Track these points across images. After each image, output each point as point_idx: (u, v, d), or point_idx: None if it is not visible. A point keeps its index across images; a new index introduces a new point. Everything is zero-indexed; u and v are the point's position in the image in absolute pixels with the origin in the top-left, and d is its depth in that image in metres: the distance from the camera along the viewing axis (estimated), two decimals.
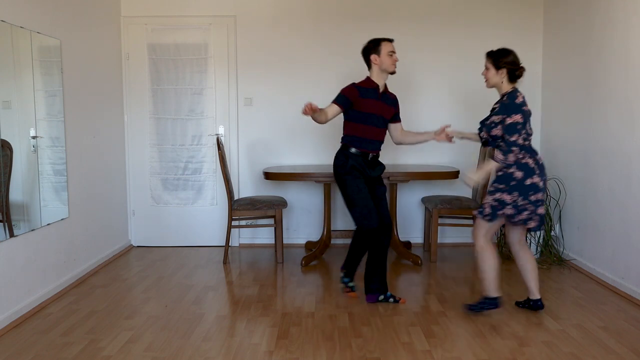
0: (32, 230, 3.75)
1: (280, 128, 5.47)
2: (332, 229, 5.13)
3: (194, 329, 3.38)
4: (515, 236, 3.60)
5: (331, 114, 3.69)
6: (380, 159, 3.92)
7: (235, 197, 5.35)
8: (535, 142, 5.51)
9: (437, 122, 5.55)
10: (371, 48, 3.76)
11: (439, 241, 5.15)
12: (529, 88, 5.48)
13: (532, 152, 3.43)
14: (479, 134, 3.67)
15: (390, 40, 3.79)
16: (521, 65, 3.55)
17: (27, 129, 3.76)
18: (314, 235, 5.55)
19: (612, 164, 4.18)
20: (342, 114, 3.79)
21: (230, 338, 3.25)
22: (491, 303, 3.55)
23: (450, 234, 5.55)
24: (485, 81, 3.59)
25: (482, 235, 3.52)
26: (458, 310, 3.66)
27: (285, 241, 5.28)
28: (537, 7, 5.42)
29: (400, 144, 4.06)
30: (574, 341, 3.15)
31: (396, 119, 3.95)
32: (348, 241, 5.47)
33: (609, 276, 4.19)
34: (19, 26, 3.61)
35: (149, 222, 5.57)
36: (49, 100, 4.04)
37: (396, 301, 3.81)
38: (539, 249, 4.95)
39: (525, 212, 3.41)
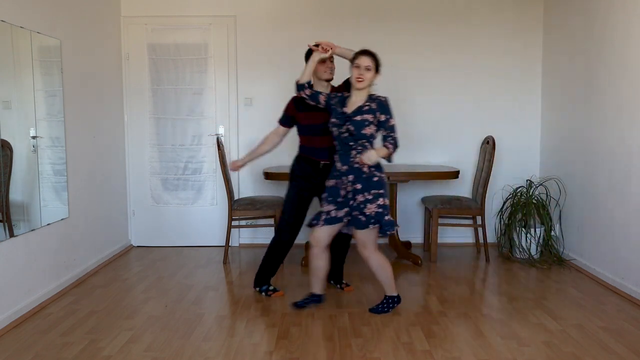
0: (32, 230, 3.75)
1: None
2: None
3: (194, 329, 3.38)
4: (331, 238, 3.58)
5: (280, 136, 3.87)
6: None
7: (235, 197, 5.34)
8: (535, 142, 5.52)
9: (437, 122, 5.56)
10: (306, 57, 3.81)
11: (439, 241, 5.15)
12: (529, 88, 5.49)
13: None
14: (343, 130, 3.43)
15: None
16: None
17: (27, 129, 3.76)
18: None
19: (612, 163, 4.18)
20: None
21: (230, 338, 3.25)
22: (396, 301, 3.62)
23: (450, 234, 5.55)
24: (361, 81, 3.41)
25: (373, 245, 3.50)
26: (458, 310, 3.66)
27: None
28: (537, 7, 5.41)
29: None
30: (574, 341, 3.15)
31: None
32: None
33: (609, 276, 4.18)
34: (19, 26, 3.61)
35: (149, 222, 5.57)
36: (49, 100, 4.04)
37: (268, 295, 3.96)
38: (539, 249, 4.95)
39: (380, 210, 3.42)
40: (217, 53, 5.42)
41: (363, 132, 3.39)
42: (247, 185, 5.55)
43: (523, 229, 4.94)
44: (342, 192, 3.47)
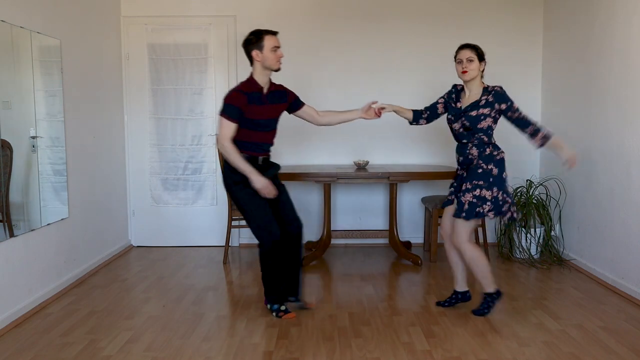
0: (32, 230, 3.75)
1: (280, 128, 5.43)
2: (332, 229, 5.12)
3: (194, 329, 3.38)
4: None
5: (231, 134, 3.36)
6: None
7: None
8: None
9: (438, 122, 5.55)
10: (252, 42, 3.38)
11: (439, 241, 5.15)
12: (529, 88, 5.49)
13: (499, 147, 3.51)
14: (458, 125, 3.47)
15: (274, 33, 3.42)
16: None
17: (27, 129, 3.76)
18: (314, 235, 5.55)
19: (612, 163, 4.18)
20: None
21: (230, 338, 3.25)
22: (495, 298, 3.57)
23: None
24: (465, 73, 3.40)
25: (467, 236, 3.47)
26: (458, 310, 3.66)
27: None
28: (537, 7, 5.42)
29: (326, 125, 3.82)
30: (574, 341, 3.15)
31: (297, 106, 3.66)
32: (348, 241, 5.49)
33: (609, 276, 4.18)
34: (19, 26, 3.61)
35: (149, 222, 5.57)
36: (49, 100, 4.04)
37: (278, 316, 3.54)
38: (539, 249, 4.95)
39: (506, 205, 3.43)
40: (217, 53, 5.42)
41: (479, 126, 3.40)
42: None
43: (523, 229, 4.94)
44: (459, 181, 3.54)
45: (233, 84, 5.44)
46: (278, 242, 3.45)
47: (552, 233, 4.99)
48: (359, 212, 5.56)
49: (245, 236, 5.62)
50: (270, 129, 3.55)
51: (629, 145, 3.95)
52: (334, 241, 5.30)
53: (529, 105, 5.49)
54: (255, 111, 3.41)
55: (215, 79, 5.44)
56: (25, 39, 3.70)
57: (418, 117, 3.72)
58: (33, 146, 3.80)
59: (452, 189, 3.61)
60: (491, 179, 3.39)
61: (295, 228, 3.62)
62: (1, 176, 3.42)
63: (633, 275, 3.89)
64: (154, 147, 5.50)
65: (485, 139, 3.44)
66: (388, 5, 5.41)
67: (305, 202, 5.54)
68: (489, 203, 3.38)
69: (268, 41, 3.38)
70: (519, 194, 5.09)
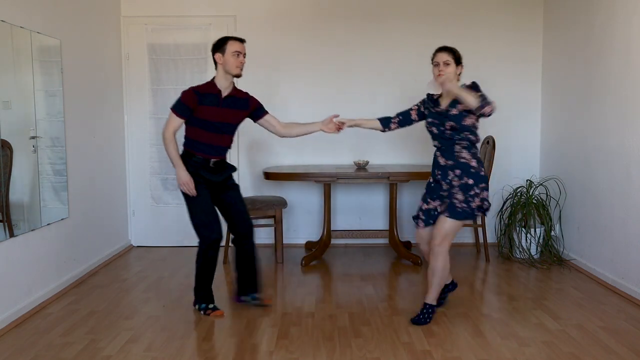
0: (32, 230, 3.75)
1: None
2: (332, 229, 5.12)
3: (194, 329, 3.38)
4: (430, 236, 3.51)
5: (175, 128, 3.46)
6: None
7: None
8: (535, 142, 5.52)
9: None
10: (217, 46, 3.50)
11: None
12: (529, 88, 5.49)
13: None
14: (448, 127, 3.39)
15: (241, 41, 3.52)
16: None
17: (27, 129, 3.76)
18: (314, 235, 5.55)
19: (612, 163, 4.18)
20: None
21: (230, 338, 3.25)
22: (434, 311, 3.50)
23: None
24: (440, 76, 3.37)
25: (451, 241, 3.42)
26: (458, 310, 3.66)
27: (285, 241, 5.28)
28: (537, 7, 5.41)
29: (286, 136, 3.86)
30: (574, 341, 3.15)
31: (259, 115, 3.72)
32: (348, 241, 5.49)
33: (609, 276, 4.18)
34: (19, 26, 3.61)
35: (149, 222, 5.57)
36: (49, 100, 4.04)
37: (206, 314, 3.59)
38: (539, 249, 4.95)
39: (486, 201, 3.40)
40: None
41: (464, 123, 3.33)
42: (247, 185, 5.55)
43: (523, 229, 4.94)
44: (445, 186, 3.42)
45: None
46: (217, 242, 3.53)
47: (552, 233, 4.99)
48: (359, 212, 5.56)
49: None
50: (224, 133, 3.57)
51: (629, 145, 3.95)
52: (334, 241, 5.30)
53: (529, 105, 5.50)
54: (207, 112, 3.48)
55: None
56: (25, 39, 3.70)
57: (388, 122, 3.67)
58: (33, 146, 3.80)
59: (428, 202, 3.49)
60: (480, 178, 3.36)
61: (243, 228, 3.66)
62: (1, 176, 3.42)
63: (633, 275, 3.89)
64: (154, 147, 5.50)
65: (472, 137, 3.38)
66: (388, 5, 5.41)
67: (305, 202, 5.54)
68: (486, 202, 3.39)
69: (231, 46, 3.47)
70: (519, 194, 5.09)
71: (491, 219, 5.35)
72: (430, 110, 3.52)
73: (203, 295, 3.65)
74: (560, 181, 4.99)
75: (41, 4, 3.91)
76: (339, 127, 3.73)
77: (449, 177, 3.40)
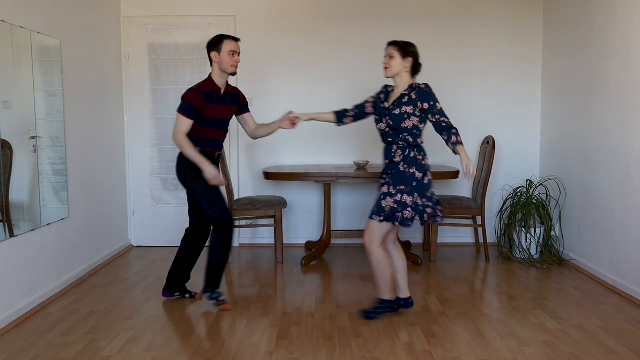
0: (32, 230, 3.75)
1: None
2: (332, 228, 5.12)
3: (194, 329, 3.38)
4: (392, 236, 3.52)
5: (186, 130, 3.55)
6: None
7: (235, 197, 5.34)
8: (535, 142, 5.52)
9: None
10: (213, 44, 3.58)
11: (438, 241, 5.15)
12: (529, 88, 5.49)
13: (424, 151, 3.43)
14: (384, 125, 3.38)
15: (236, 40, 3.61)
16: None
17: (27, 129, 3.76)
18: (314, 235, 5.55)
19: (612, 163, 4.18)
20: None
21: (230, 338, 3.25)
22: (388, 306, 3.50)
23: (450, 234, 5.54)
24: (387, 69, 3.35)
25: (378, 238, 3.37)
26: (458, 310, 3.66)
27: (285, 241, 5.28)
28: (537, 7, 5.42)
29: (255, 137, 3.94)
30: (574, 341, 3.15)
31: (244, 110, 3.83)
32: (348, 241, 5.49)
33: (609, 276, 4.18)
34: (19, 26, 3.61)
35: (149, 222, 5.57)
36: (49, 100, 4.04)
37: (219, 304, 3.72)
38: (539, 249, 4.95)
39: (428, 209, 3.33)
40: None
41: (403, 125, 3.29)
42: (247, 185, 5.55)
43: (523, 229, 4.94)
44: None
45: (233, 84, 5.45)
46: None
47: (552, 233, 4.99)
48: (359, 212, 5.55)
49: (245, 236, 5.62)
50: (222, 128, 3.71)
51: (629, 145, 3.95)
52: (334, 241, 5.30)
53: (529, 105, 5.50)
54: (212, 110, 3.59)
55: None
56: (25, 39, 3.70)
57: (342, 116, 3.65)
58: (33, 146, 3.80)
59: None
60: (414, 184, 3.29)
61: (223, 222, 3.75)
62: (1, 176, 3.42)
63: (633, 275, 3.89)
64: (154, 147, 5.50)
65: (411, 140, 3.32)
66: (388, 5, 5.41)
67: (305, 202, 5.54)
68: (409, 209, 3.28)
69: (227, 45, 3.57)
70: (519, 194, 5.09)
71: (491, 219, 5.35)
72: (378, 104, 3.48)
73: (216, 281, 3.72)
74: (560, 181, 5.00)
75: (41, 4, 3.91)
76: (293, 122, 3.76)
77: (384, 176, 3.42)
